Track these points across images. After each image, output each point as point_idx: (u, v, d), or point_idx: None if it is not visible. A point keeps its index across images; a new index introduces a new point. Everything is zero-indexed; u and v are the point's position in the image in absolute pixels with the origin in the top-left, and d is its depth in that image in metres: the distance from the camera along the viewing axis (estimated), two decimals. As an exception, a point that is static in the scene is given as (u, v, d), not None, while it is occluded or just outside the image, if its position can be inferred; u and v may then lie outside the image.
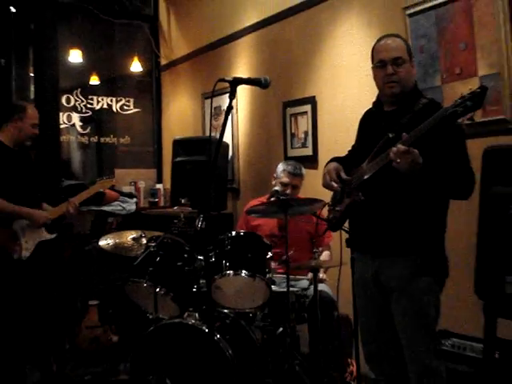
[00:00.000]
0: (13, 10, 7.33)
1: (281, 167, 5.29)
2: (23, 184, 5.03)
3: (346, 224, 3.71)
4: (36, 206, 5.07)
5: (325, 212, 4.01)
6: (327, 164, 3.77)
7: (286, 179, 5.21)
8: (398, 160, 3.07)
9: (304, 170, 5.31)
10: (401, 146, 3.06)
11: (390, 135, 3.28)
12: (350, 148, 3.90)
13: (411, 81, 3.50)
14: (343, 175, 3.60)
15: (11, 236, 4.85)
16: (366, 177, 3.41)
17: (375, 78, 3.55)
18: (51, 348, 5.86)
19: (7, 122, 5.02)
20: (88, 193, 5.35)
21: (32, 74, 7.52)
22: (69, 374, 5.61)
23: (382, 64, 3.46)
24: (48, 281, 5.52)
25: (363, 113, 3.81)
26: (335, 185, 3.60)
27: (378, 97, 3.64)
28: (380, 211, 3.44)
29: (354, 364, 4.74)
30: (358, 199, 3.48)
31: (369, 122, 3.74)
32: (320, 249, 5.05)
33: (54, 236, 5.13)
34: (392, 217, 3.40)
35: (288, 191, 5.14)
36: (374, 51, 3.55)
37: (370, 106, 3.74)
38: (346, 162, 3.69)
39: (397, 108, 3.47)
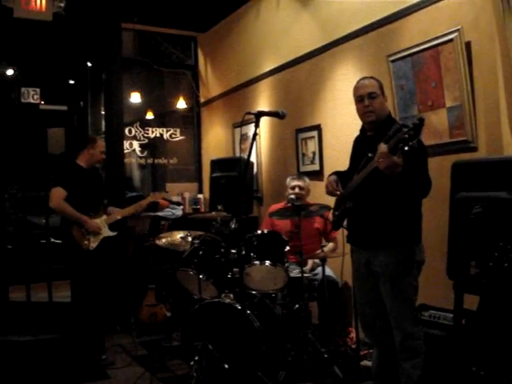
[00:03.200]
0: (89, 64, 7.41)
1: (288, 179, 5.40)
2: (92, 195, 5.20)
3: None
4: (101, 211, 5.22)
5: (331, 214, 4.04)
6: (328, 176, 3.80)
7: (292, 183, 5.29)
8: (381, 160, 3.08)
9: (305, 176, 5.40)
10: (383, 147, 3.06)
11: (370, 155, 3.32)
12: (348, 164, 3.90)
13: (384, 111, 3.52)
14: (340, 189, 3.63)
15: (82, 233, 5.00)
16: (355, 185, 3.43)
17: (357, 110, 3.57)
18: (120, 320, 5.96)
19: (83, 150, 5.18)
20: (147, 200, 5.44)
21: (103, 112, 7.58)
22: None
23: (360, 99, 3.49)
24: (111, 266, 5.60)
25: (355, 137, 3.82)
26: (337, 192, 3.64)
27: (362, 125, 3.66)
28: (366, 216, 3.46)
29: (354, 331, 4.74)
30: (348, 206, 3.51)
31: (357, 145, 3.75)
32: (326, 243, 5.09)
33: (115, 234, 5.26)
34: (376, 220, 3.41)
35: (297, 191, 5.20)
36: (354, 89, 3.58)
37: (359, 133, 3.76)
38: (343, 176, 3.71)
39: (375, 133, 3.47)
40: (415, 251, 3.40)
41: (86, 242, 5.02)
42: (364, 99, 3.47)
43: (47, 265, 5.92)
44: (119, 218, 5.34)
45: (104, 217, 5.21)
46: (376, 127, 3.49)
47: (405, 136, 2.98)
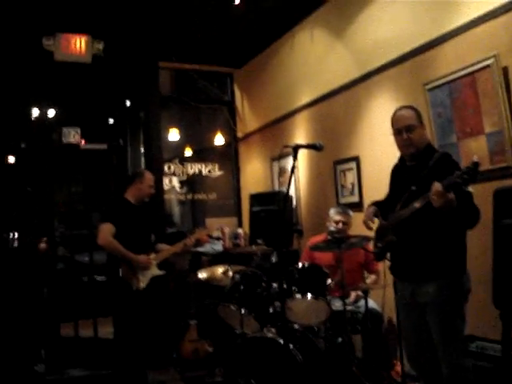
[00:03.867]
0: (128, 103, 7.56)
1: (332, 210, 5.30)
2: (141, 231, 5.14)
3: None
4: (150, 248, 5.18)
5: (371, 245, 4.00)
6: (368, 208, 3.79)
7: (337, 217, 5.20)
8: (435, 198, 3.03)
9: (350, 210, 5.31)
10: (438, 186, 3.02)
11: (413, 188, 3.31)
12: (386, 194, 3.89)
13: (424, 141, 3.50)
14: (380, 219, 3.62)
15: (132, 272, 4.95)
16: (400, 219, 3.40)
17: (396, 142, 3.55)
18: (162, 356, 5.95)
19: (131, 185, 5.18)
20: (195, 236, 5.41)
21: (142, 150, 7.71)
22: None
23: (398, 131, 3.48)
24: (159, 306, 5.58)
25: (393, 165, 3.80)
26: (369, 224, 3.68)
27: (401, 154, 3.65)
28: (412, 249, 3.42)
29: (399, 364, 4.65)
30: (392, 239, 3.49)
31: (396, 175, 3.73)
32: (368, 275, 5.06)
33: (163, 272, 5.18)
34: (421, 252, 3.38)
35: (340, 226, 5.14)
36: (393, 121, 3.56)
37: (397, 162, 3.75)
38: (383, 205, 3.70)
39: (416, 163, 3.47)
40: (463, 281, 3.36)
41: (135, 282, 4.94)
42: (402, 132, 3.45)
43: (92, 302, 6.00)
44: (168, 255, 5.30)
45: (152, 255, 5.12)
46: (416, 157, 3.48)
47: (458, 180, 2.95)
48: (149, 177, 5.28)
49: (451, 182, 2.97)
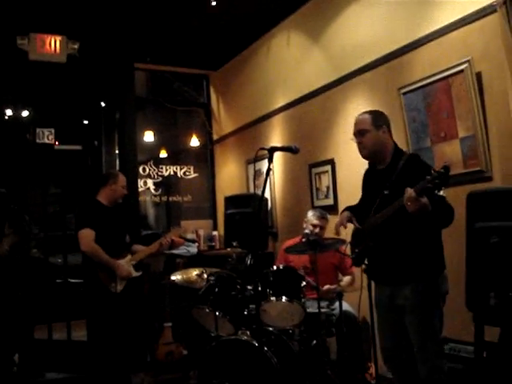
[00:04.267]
0: (103, 104, 7.51)
1: (310, 213, 5.29)
2: (116, 233, 5.12)
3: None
4: (126, 249, 5.15)
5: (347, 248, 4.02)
6: (341, 212, 3.82)
7: (315, 221, 5.20)
8: (409, 203, 3.07)
9: (328, 215, 5.32)
10: (411, 192, 3.05)
11: (386, 192, 3.34)
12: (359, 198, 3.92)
13: (382, 144, 3.56)
14: (356, 223, 3.64)
15: (109, 276, 4.92)
16: (376, 224, 3.43)
17: None
18: (136, 359, 5.91)
19: (104, 186, 5.13)
20: (170, 235, 5.36)
21: (117, 151, 7.66)
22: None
23: (355, 136, 3.60)
24: (135, 307, 5.55)
25: (365, 170, 3.86)
26: (339, 230, 3.75)
27: None
28: (389, 253, 3.45)
29: (373, 366, 4.68)
30: (369, 244, 3.51)
31: (368, 179, 3.80)
32: (343, 277, 5.07)
33: (140, 274, 5.17)
34: (399, 256, 3.40)
35: (317, 230, 5.14)
36: None
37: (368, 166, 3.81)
38: (357, 210, 3.73)
39: (386, 167, 3.53)
40: (439, 282, 3.40)
41: (113, 285, 4.92)
42: (356, 137, 3.58)
43: (66, 304, 5.95)
44: (145, 256, 5.28)
45: (129, 256, 5.11)
46: (377, 160, 3.58)
47: (429, 186, 2.98)
48: (122, 178, 5.26)
49: (423, 188, 3.00)
